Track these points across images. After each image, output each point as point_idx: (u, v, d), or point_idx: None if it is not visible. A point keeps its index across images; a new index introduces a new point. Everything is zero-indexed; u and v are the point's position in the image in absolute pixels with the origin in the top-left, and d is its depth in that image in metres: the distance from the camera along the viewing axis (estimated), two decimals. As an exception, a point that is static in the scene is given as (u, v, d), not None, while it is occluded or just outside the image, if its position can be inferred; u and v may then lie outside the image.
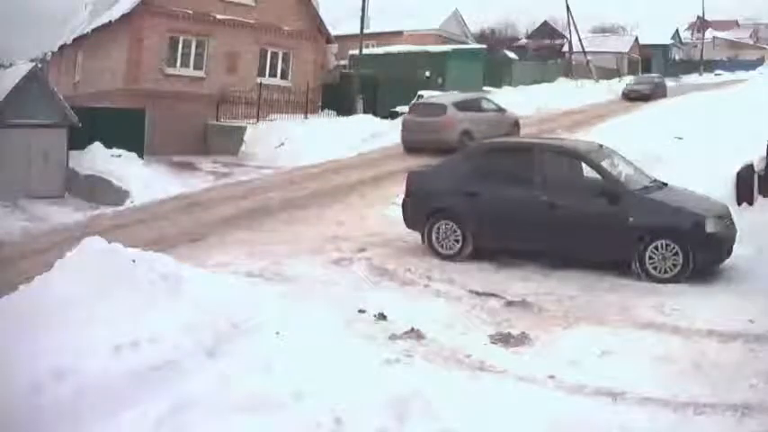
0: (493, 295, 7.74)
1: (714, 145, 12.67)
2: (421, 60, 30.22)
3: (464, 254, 9.18)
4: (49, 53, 32.33)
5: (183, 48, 23.25)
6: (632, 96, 31.56)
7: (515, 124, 20.10)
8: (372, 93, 25.78)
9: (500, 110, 20.05)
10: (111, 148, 18.27)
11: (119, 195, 15.91)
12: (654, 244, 8.13)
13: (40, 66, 20.90)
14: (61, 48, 29.57)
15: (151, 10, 22.18)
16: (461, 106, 18.62)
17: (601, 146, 9.60)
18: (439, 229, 9.32)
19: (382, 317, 6.80)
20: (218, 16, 23.57)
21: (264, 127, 22.03)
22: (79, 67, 27.07)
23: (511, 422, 4.39)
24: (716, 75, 46.65)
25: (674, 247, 8.06)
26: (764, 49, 63.04)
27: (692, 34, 65.86)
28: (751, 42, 69.10)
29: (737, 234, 8.62)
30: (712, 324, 6.54)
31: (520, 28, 63.49)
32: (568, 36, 43.66)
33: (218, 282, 6.99)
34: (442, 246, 9.30)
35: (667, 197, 8.69)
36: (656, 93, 32.30)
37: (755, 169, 10.80)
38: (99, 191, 16.94)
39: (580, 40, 40.97)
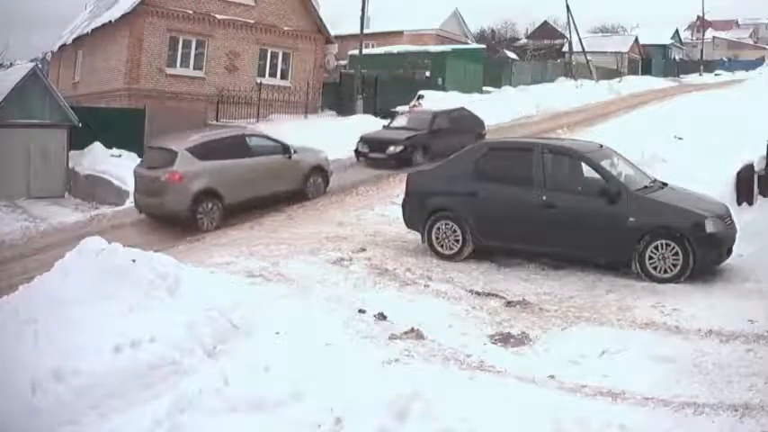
0: (493, 295, 7.74)
1: (714, 145, 12.67)
2: (421, 60, 30.24)
3: (464, 254, 9.18)
4: (49, 53, 32.30)
5: (183, 48, 23.24)
6: (371, 157, 17.02)
7: (316, 171, 13.96)
8: (372, 93, 25.79)
9: (285, 151, 13.52)
10: (111, 148, 18.30)
11: (119, 195, 15.93)
12: (654, 244, 8.13)
13: (40, 66, 20.90)
14: (61, 48, 29.53)
15: (151, 10, 22.17)
16: (205, 151, 12.28)
17: (601, 146, 9.60)
18: (439, 229, 9.32)
19: (382, 317, 6.80)
20: (218, 16, 23.57)
21: (264, 127, 21.96)
22: (79, 67, 27.04)
23: (511, 422, 4.39)
24: (716, 75, 46.59)
25: (673, 247, 8.06)
26: (764, 49, 63.05)
27: (692, 34, 65.86)
28: (751, 42, 69.15)
29: (737, 234, 8.62)
30: (712, 324, 6.54)
31: (520, 28, 63.62)
32: (568, 36, 43.62)
33: (217, 281, 7.01)
34: (441, 246, 9.30)
35: (667, 197, 8.68)
36: (433, 147, 16.16)
37: (755, 169, 10.80)
38: (99, 191, 16.97)
39: (580, 40, 40.91)
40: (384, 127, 18.58)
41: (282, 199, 13.17)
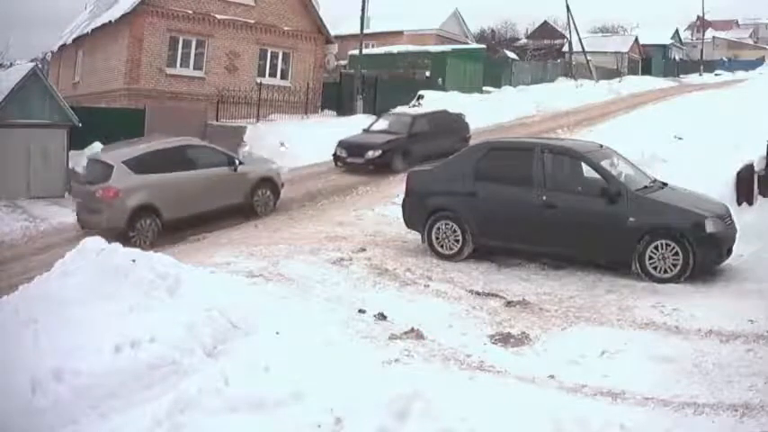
0: (493, 295, 7.74)
1: (714, 145, 12.66)
2: (421, 60, 30.24)
3: (464, 254, 9.18)
4: (49, 53, 32.31)
5: (182, 48, 23.24)
6: (349, 162, 16.71)
7: (264, 184, 13.21)
8: (372, 93, 25.79)
9: (230, 163, 12.86)
10: (110, 148, 18.26)
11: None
12: (654, 244, 8.14)
13: (39, 66, 20.87)
14: (61, 48, 29.54)
15: (151, 10, 22.17)
16: (143, 164, 11.75)
17: (601, 146, 9.60)
18: (439, 229, 9.32)
19: (382, 317, 6.80)
20: (218, 16, 23.57)
21: (264, 127, 22.01)
22: (79, 67, 27.04)
23: (511, 422, 4.38)
24: (716, 75, 46.56)
25: (673, 247, 8.06)
26: (764, 49, 63.03)
27: (692, 34, 65.85)
28: (751, 42, 69.12)
29: (737, 234, 8.62)
30: (712, 324, 6.54)
31: (520, 28, 63.61)
32: (568, 36, 43.63)
33: (217, 282, 7.01)
34: (441, 246, 9.30)
35: (667, 197, 8.69)
36: (413, 151, 16.09)
37: (755, 169, 10.80)
38: (99, 191, 16.87)
39: (580, 40, 40.90)
40: (364, 130, 17.90)
41: (229, 214, 12.42)
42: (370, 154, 16.22)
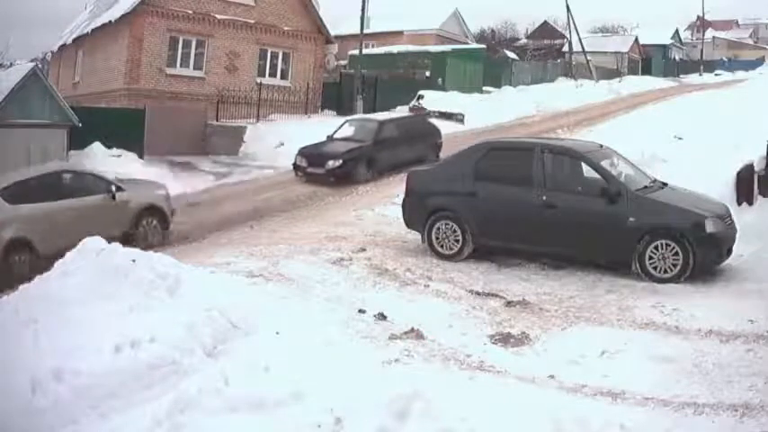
0: (493, 295, 7.74)
1: (714, 145, 12.67)
2: (421, 60, 30.26)
3: (464, 254, 9.19)
4: (49, 53, 32.32)
5: (182, 48, 23.25)
6: (309, 172, 15.81)
7: (150, 212, 11.55)
8: (372, 93, 25.79)
9: (108, 190, 11.13)
10: (110, 148, 18.27)
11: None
12: (654, 244, 8.14)
13: (39, 66, 20.86)
14: (61, 48, 29.55)
15: (151, 10, 22.17)
16: (16, 193, 10.32)
17: (601, 146, 9.61)
18: (439, 229, 9.32)
19: (382, 317, 6.80)
20: (218, 16, 23.58)
21: (264, 127, 22.03)
22: (79, 67, 27.04)
23: (511, 422, 4.38)
24: (716, 75, 46.59)
25: (673, 247, 8.06)
26: (764, 49, 63.01)
27: (692, 34, 65.84)
28: (751, 42, 69.11)
29: (737, 234, 8.62)
30: (712, 324, 6.54)
31: (520, 28, 63.58)
32: (568, 36, 43.65)
33: (217, 282, 7.00)
34: (441, 246, 9.30)
35: (667, 197, 8.69)
36: (379, 160, 15.78)
37: (755, 169, 10.80)
38: (98, 191, 16.81)
39: (580, 40, 40.92)
40: (328, 137, 16.75)
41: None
42: (331, 164, 15.29)
